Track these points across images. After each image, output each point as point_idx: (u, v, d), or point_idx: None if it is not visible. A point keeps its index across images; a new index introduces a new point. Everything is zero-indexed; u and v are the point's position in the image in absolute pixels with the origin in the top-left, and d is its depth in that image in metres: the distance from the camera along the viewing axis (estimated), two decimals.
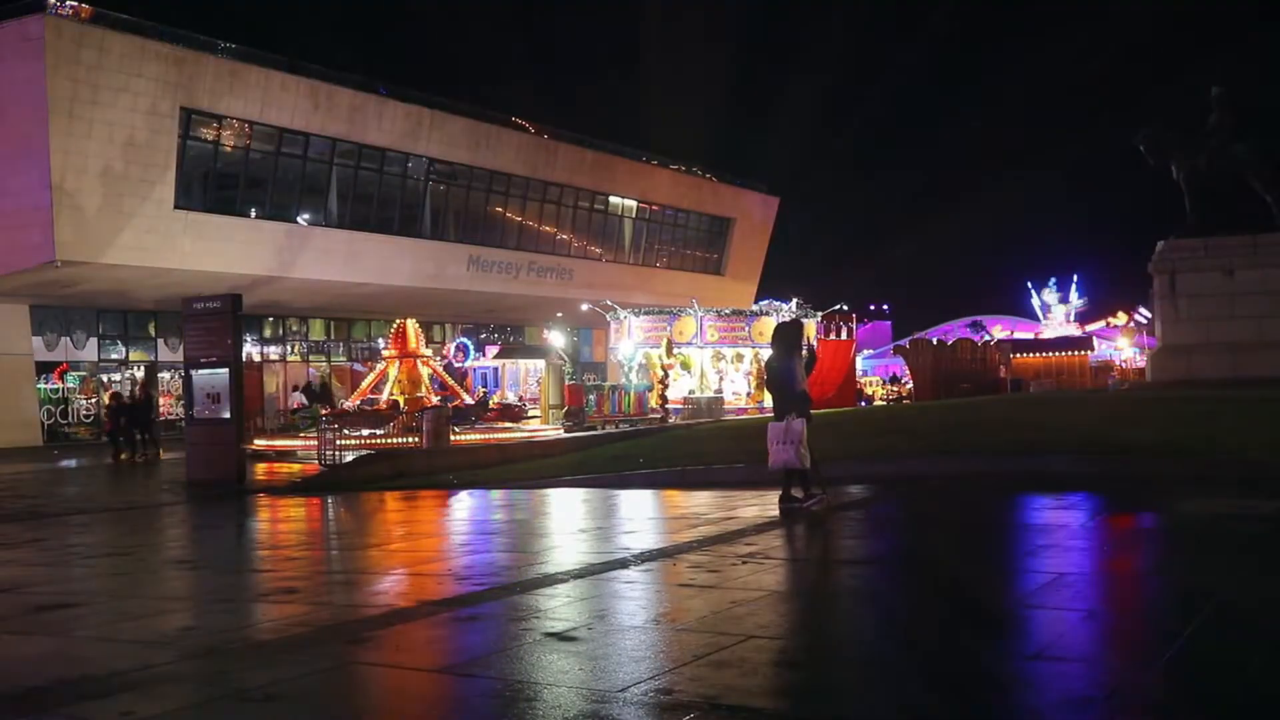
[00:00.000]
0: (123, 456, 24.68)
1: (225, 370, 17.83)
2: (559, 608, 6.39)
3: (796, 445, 9.96)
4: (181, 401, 25.81)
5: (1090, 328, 67.62)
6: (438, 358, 32.30)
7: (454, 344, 37.01)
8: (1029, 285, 76.94)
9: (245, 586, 8.30)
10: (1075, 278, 75.23)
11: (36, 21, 26.38)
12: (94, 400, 34.20)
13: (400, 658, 5.50)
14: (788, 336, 10.72)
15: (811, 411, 10.41)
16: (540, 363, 39.82)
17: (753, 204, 52.41)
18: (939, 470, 12.68)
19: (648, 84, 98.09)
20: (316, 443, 21.75)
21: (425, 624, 6.20)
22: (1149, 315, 61.63)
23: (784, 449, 10.04)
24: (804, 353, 10.63)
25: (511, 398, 37.29)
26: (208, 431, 17.89)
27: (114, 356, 35.00)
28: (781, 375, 10.47)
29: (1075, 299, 73.90)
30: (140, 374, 34.42)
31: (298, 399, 33.38)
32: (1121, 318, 67.12)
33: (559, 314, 43.32)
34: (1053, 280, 74.97)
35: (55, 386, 32.95)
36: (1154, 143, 21.32)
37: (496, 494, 14.47)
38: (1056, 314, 73.81)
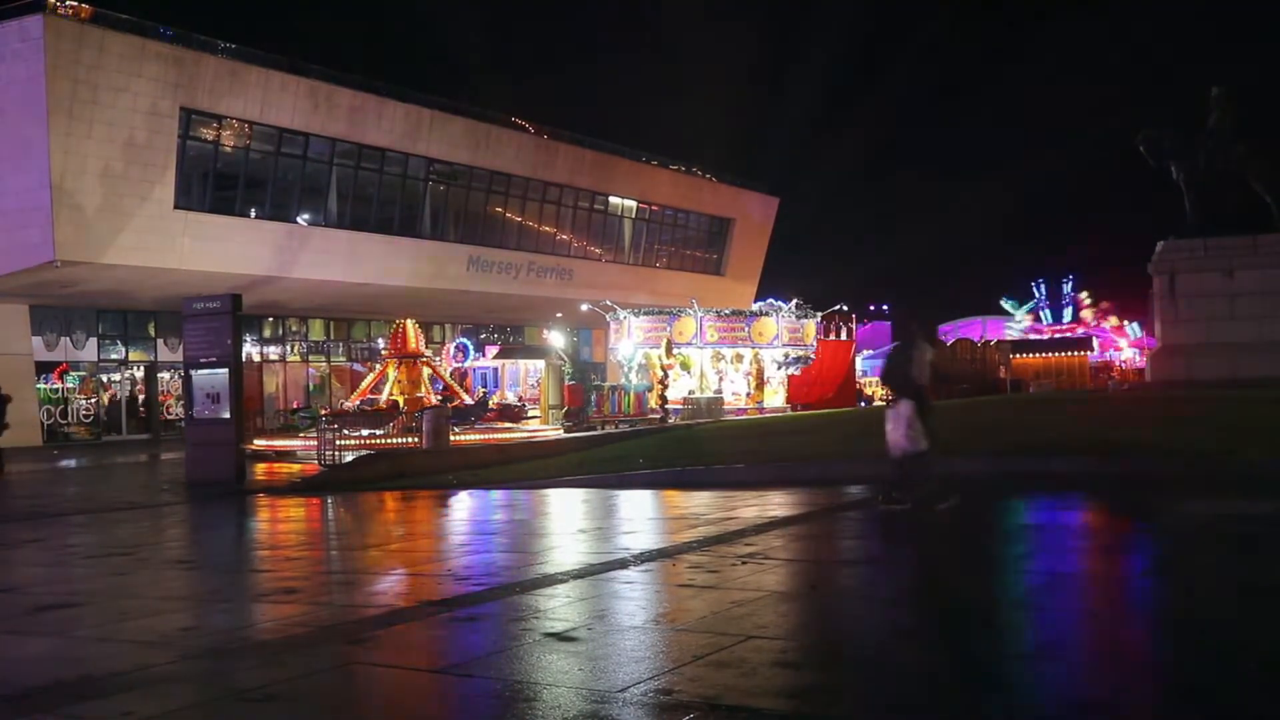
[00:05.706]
0: None
1: (225, 370, 17.85)
2: (559, 608, 6.39)
3: (907, 427, 9.89)
4: (181, 401, 25.75)
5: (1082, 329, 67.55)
6: (439, 359, 32.29)
7: (454, 344, 36.99)
8: (1031, 285, 76.95)
9: (245, 587, 8.30)
10: (1071, 278, 75.18)
11: (36, 21, 26.34)
12: (93, 400, 34.22)
13: (400, 658, 5.50)
14: (909, 328, 10.81)
15: (932, 404, 10.32)
16: (540, 363, 39.81)
17: (753, 204, 52.36)
18: (937, 471, 12.65)
19: (648, 84, 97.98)
20: (316, 443, 21.76)
21: (425, 624, 6.20)
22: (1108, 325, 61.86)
23: (896, 432, 9.97)
24: (926, 348, 10.38)
25: (511, 398, 37.31)
26: (207, 431, 17.90)
27: (114, 357, 35.00)
28: (897, 365, 10.42)
29: (1025, 307, 73.78)
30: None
31: None
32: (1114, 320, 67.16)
33: (559, 314, 43.30)
34: (1014, 297, 74.54)
35: (55, 386, 32.95)
36: (1154, 143, 21.29)
37: (496, 494, 14.47)
38: (1020, 316, 73.69)
